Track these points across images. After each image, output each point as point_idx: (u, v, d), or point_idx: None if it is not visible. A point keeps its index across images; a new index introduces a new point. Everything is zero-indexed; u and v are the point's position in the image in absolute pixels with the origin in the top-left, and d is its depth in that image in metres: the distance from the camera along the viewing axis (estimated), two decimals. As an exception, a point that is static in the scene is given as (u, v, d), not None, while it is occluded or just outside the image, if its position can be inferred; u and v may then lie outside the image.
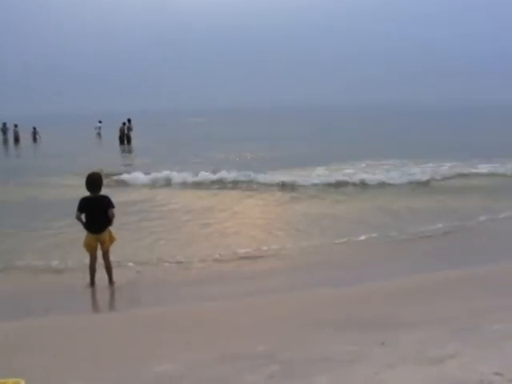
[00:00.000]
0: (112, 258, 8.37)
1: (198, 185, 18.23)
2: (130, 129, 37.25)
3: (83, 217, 8.13)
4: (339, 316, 6.33)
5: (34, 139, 42.79)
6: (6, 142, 40.85)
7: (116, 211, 8.17)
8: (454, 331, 5.43)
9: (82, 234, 8.32)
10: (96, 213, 8.08)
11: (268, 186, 17.60)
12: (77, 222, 8.17)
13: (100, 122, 49.20)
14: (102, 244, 8.20)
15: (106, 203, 8.13)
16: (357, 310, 6.56)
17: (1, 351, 5.62)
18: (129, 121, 37.28)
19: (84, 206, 8.10)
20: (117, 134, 37.51)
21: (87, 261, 8.27)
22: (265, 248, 10.13)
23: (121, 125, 37.61)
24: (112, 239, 8.27)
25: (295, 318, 6.38)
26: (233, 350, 5.20)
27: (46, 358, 5.42)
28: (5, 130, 41.42)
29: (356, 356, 4.88)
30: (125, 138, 36.92)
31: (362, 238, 10.62)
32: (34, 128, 43.86)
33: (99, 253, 8.25)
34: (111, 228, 8.24)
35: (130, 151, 33.15)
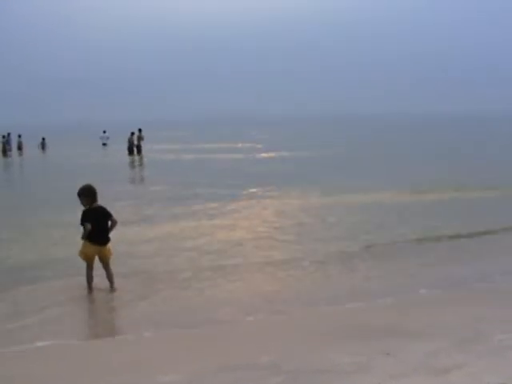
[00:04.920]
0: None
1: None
2: (140, 138, 37.17)
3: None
4: (344, 326, 6.30)
5: (43, 149, 43.34)
6: (9, 151, 41.13)
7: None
8: (460, 341, 5.41)
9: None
10: (100, 224, 8.10)
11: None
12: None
13: (104, 131, 49.34)
14: (103, 257, 8.23)
15: (106, 214, 8.18)
16: (362, 320, 6.53)
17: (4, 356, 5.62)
18: (140, 130, 37.23)
19: (87, 217, 8.10)
20: (125, 145, 37.46)
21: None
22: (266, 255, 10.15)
23: (129, 135, 37.54)
24: (111, 253, 8.33)
25: (300, 328, 6.36)
26: (236, 361, 5.19)
27: (50, 365, 5.42)
28: (8, 140, 41.72)
29: (360, 366, 4.86)
30: (134, 148, 36.89)
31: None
32: (43, 138, 44.24)
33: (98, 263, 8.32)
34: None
35: (140, 163, 32.59)
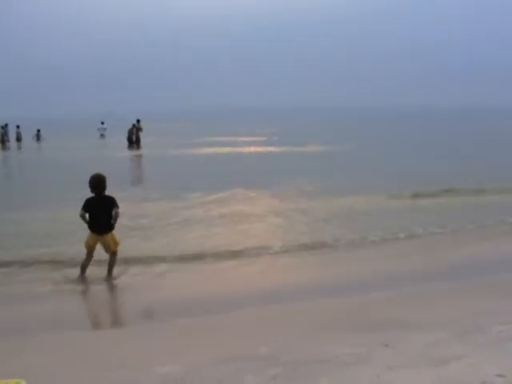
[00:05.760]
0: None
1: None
2: (139, 129, 36.94)
3: (87, 216, 8.19)
4: (343, 318, 6.30)
5: (38, 140, 43.25)
6: (7, 141, 41.07)
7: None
8: (458, 333, 5.41)
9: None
10: (99, 213, 8.12)
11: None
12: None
13: (102, 123, 49.23)
14: (107, 248, 8.25)
15: (111, 204, 8.18)
16: (362, 312, 6.53)
17: (2, 351, 5.61)
18: (138, 121, 36.98)
19: (88, 205, 8.15)
20: (123, 136, 37.25)
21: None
22: (264, 246, 10.18)
23: (130, 126, 37.29)
24: (116, 244, 8.32)
25: (299, 319, 6.36)
26: (236, 352, 5.18)
27: (48, 358, 5.41)
28: (6, 131, 41.62)
29: (359, 358, 4.86)
30: (134, 139, 36.68)
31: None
32: (38, 130, 44.14)
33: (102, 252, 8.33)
34: (115, 232, 8.31)
35: (138, 158, 31.74)
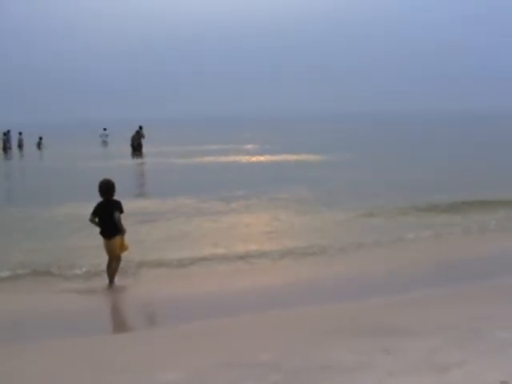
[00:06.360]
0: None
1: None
2: (141, 136, 36.89)
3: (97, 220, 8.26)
4: (343, 324, 6.29)
5: (39, 149, 43.06)
6: (9, 148, 41.02)
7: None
8: (459, 339, 5.40)
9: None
10: (106, 218, 8.19)
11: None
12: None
13: (105, 129, 49.19)
14: (111, 251, 8.25)
15: (114, 207, 8.22)
16: (361, 318, 6.52)
17: (2, 351, 5.62)
18: (140, 128, 36.89)
19: (98, 210, 8.23)
20: (125, 142, 37.16)
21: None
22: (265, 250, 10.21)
23: (134, 133, 37.19)
24: (123, 248, 8.32)
25: (299, 326, 6.35)
26: (237, 358, 5.18)
27: (49, 363, 5.42)
28: (8, 138, 41.55)
29: (360, 364, 4.86)
30: (136, 145, 36.59)
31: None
32: (40, 138, 43.96)
33: None
34: (124, 237, 8.32)
35: (140, 169, 31.15)
